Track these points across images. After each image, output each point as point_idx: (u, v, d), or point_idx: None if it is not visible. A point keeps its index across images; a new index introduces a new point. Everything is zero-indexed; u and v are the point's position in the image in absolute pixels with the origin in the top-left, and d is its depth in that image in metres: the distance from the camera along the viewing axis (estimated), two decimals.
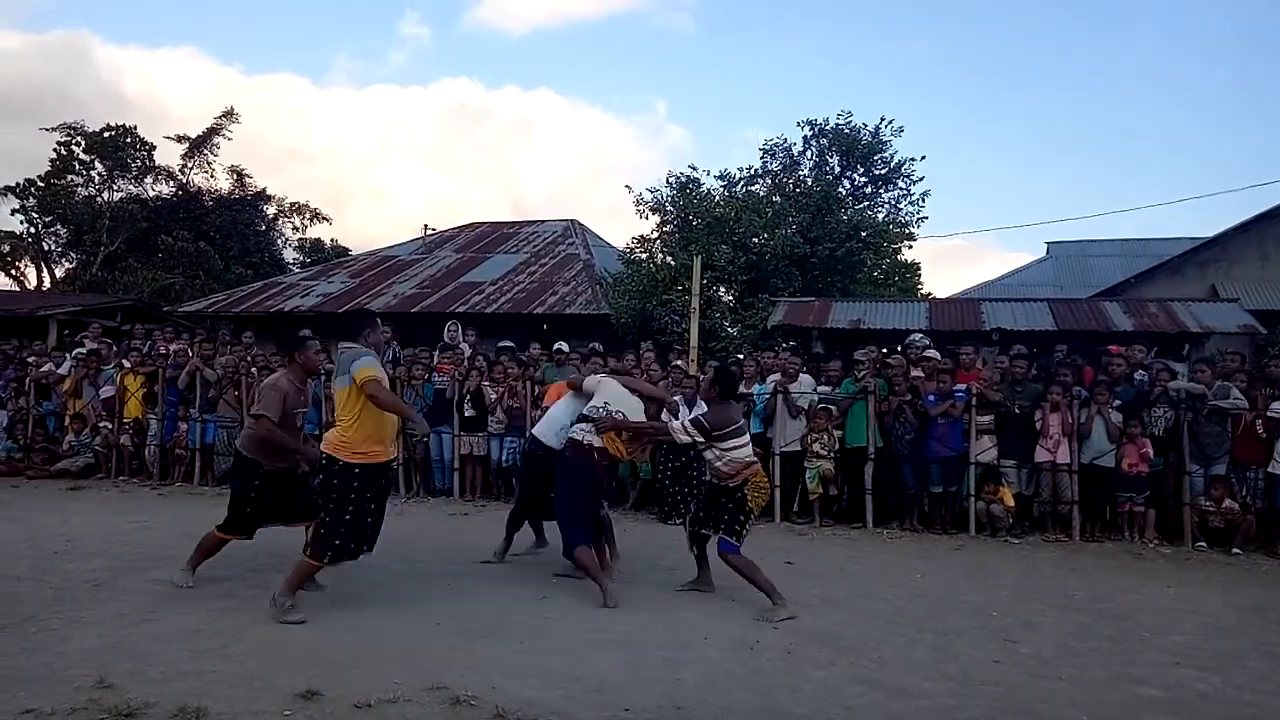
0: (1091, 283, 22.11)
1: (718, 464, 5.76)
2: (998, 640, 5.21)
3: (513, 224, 26.03)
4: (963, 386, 9.17)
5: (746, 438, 5.88)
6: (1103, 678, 4.60)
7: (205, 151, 30.91)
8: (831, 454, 9.18)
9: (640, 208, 18.59)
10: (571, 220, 25.01)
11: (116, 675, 4.11)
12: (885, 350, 11.03)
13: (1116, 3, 69.94)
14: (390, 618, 5.28)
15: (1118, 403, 8.85)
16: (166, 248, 27.25)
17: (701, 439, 5.73)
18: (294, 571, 5.26)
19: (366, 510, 5.22)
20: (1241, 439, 8.59)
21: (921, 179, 19.91)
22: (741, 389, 8.87)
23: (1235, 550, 8.21)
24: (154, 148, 30.26)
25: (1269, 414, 8.42)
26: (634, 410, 6.24)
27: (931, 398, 9.10)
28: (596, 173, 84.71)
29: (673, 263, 17.12)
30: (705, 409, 6.19)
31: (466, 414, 10.38)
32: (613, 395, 6.23)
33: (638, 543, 7.71)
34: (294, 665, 4.32)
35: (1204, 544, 8.40)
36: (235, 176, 31.26)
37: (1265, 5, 65.76)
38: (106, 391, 11.66)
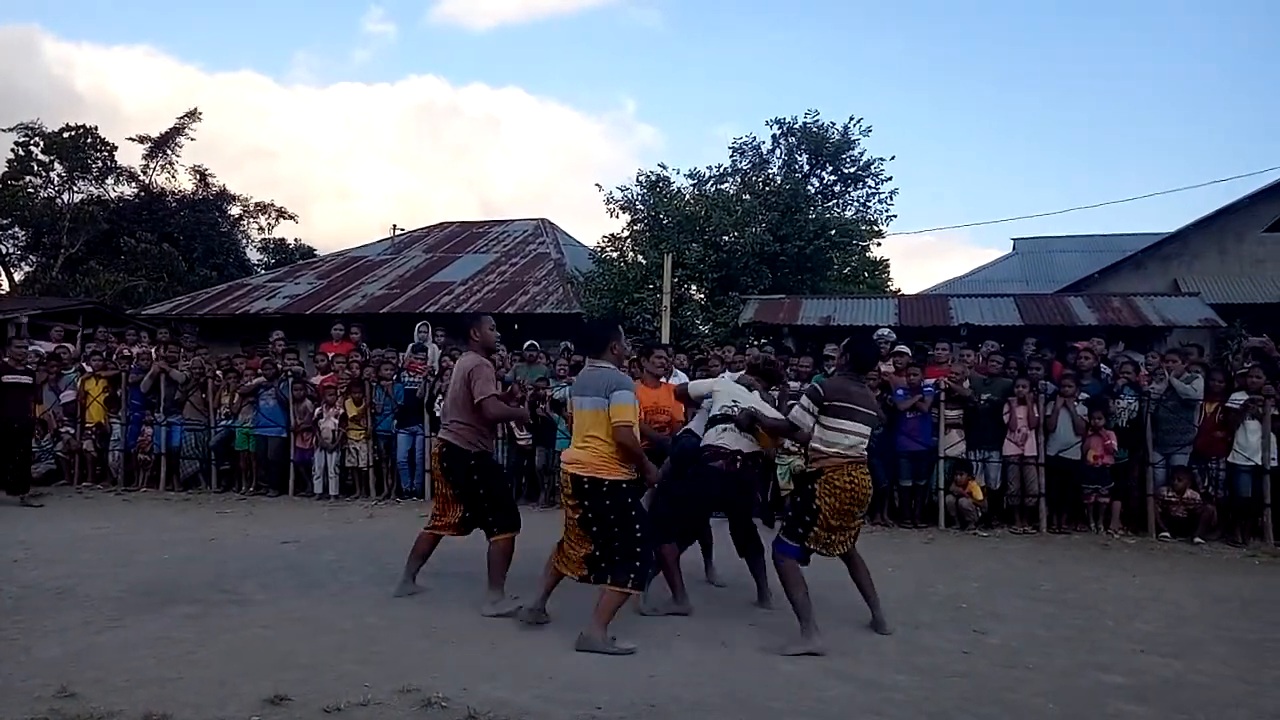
0: (1057, 278, 22.42)
1: (810, 444, 5.05)
2: (967, 631, 5.26)
3: (482, 223, 25.90)
4: (931, 381, 9.27)
5: (851, 425, 4.95)
6: (1069, 666, 4.66)
7: (167, 151, 30.45)
8: (802, 450, 9.21)
9: (610, 206, 18.62)
10: (542, 219, 24.94)
11: (79, 684, 4.03)
12: None
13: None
14: (361, 621, 5.23)
15: (1084, 396, 8.98)
16: (129, 250, 26.79)
17: (815, 409, 4.97)
18: (602, 607, 4.75)
19: (645, 520, 4.91)
20: (1204, 429, 8.75)
21: (890, 178, 20.14)
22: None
23: (1197, 539, 8.36)
24: (115, 148, 29.78)
25: (1229, 404, 8.59)
26: (757, 403, 5.63)
27: (900, 392, 9.18)
28: (566, 171, 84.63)
29: (644, 261, 17.16)
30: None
31: (439, 414, 10.29)
32: (737, 393, 5.73)
33: None
34: (262, 670, 4.27)
35: (1167, 534, 8.56)
36: (198, 177, 30.86)
37: (1232, 3, 67.12)
38: (67, 396, 11.45)
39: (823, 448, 4.95)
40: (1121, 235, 23.62)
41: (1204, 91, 71.71)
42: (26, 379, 10.08)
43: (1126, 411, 8.93)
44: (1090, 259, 22.58)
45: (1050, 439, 8.86)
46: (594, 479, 4.77)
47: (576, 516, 4.89)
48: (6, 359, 10.05)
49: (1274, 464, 8.33)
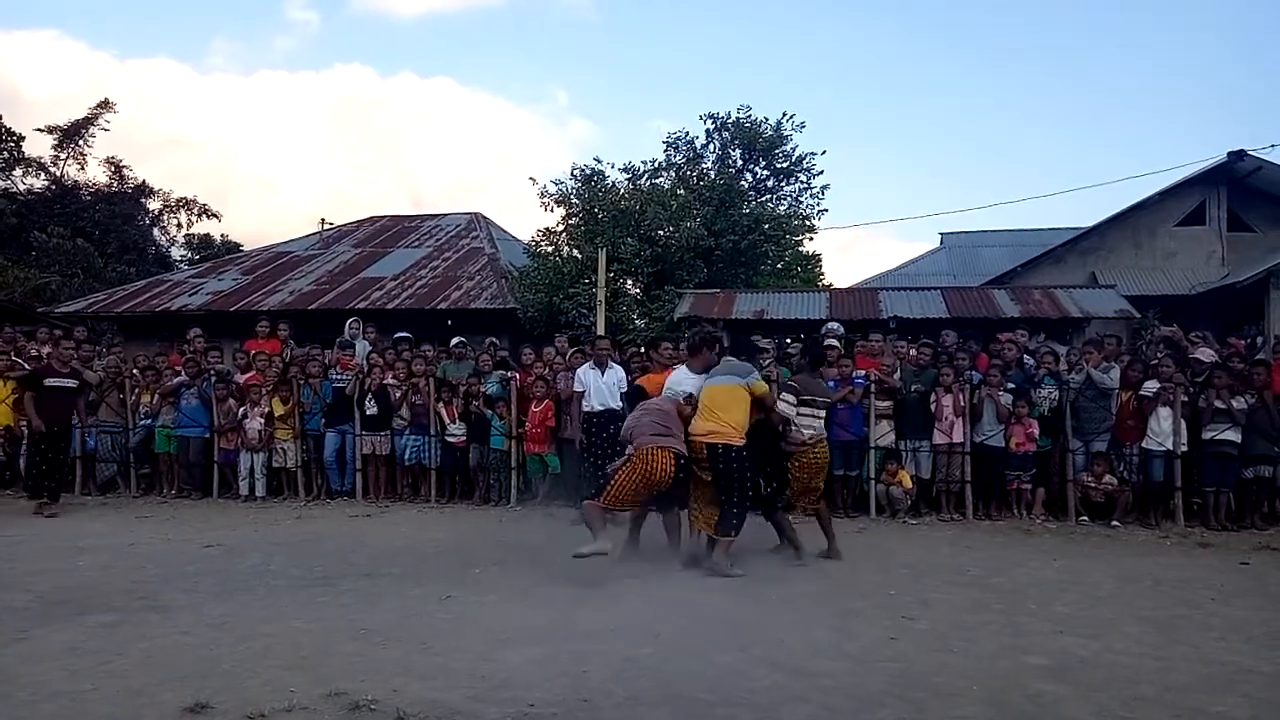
0: (982, 271, 23.03)
1: (791, 430, 6.60)
2: (895, 618, 5.36)
3: (414, 217, 25.49)
4: (862, 372, 9.43)
5: (819, 414, 6.77)
6: (993, 649, 4.78)
7: (79, 142, 29.26)
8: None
9: (545, 200, 18.51)
10: (475, 213, 24.65)
11: None
12: (789, 340, 11.24)
13: None
14: (286, 625, 5.09)
15: (1009, 385, 9.23)
16: (40, 245, 25.69)
17: (793, 402, 6.65)
18: (719, 552, 6.25)
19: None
20: (1120, 417, 9.08)
21: (821, 172, 20.39)
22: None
23: (1115, 523, 8.69)
24: (22, 138, 28.52)
25: (1142, 393, 8.93)
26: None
27: (831, 384, 9.30)
28: (499, 164, 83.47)
29: (579, 255, 17.11)
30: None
31: (369, 412, 10.12)
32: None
33: (546, 537, 7.64)
34: (182, 678, 4.12)
35: (1086, 518, 8.87)
36: (113, 169, 29.72)
37: (1153, 4, 69.57)
38: None
39: (799, 439, 6.67)
40: (1043, 230, 24.32)
41: (1123, 88, 74.37)
42: (71, 383, 9.72)
43: (1048, 400, 9.22)
44: (1013, 253, 23.21)
45: (975, 427, 9.10)
46: (727, 445, 6.18)
47: (711, 478, 6.26)
48: (51, 362, 9.78)
49: (1184, 449, 8.70)
